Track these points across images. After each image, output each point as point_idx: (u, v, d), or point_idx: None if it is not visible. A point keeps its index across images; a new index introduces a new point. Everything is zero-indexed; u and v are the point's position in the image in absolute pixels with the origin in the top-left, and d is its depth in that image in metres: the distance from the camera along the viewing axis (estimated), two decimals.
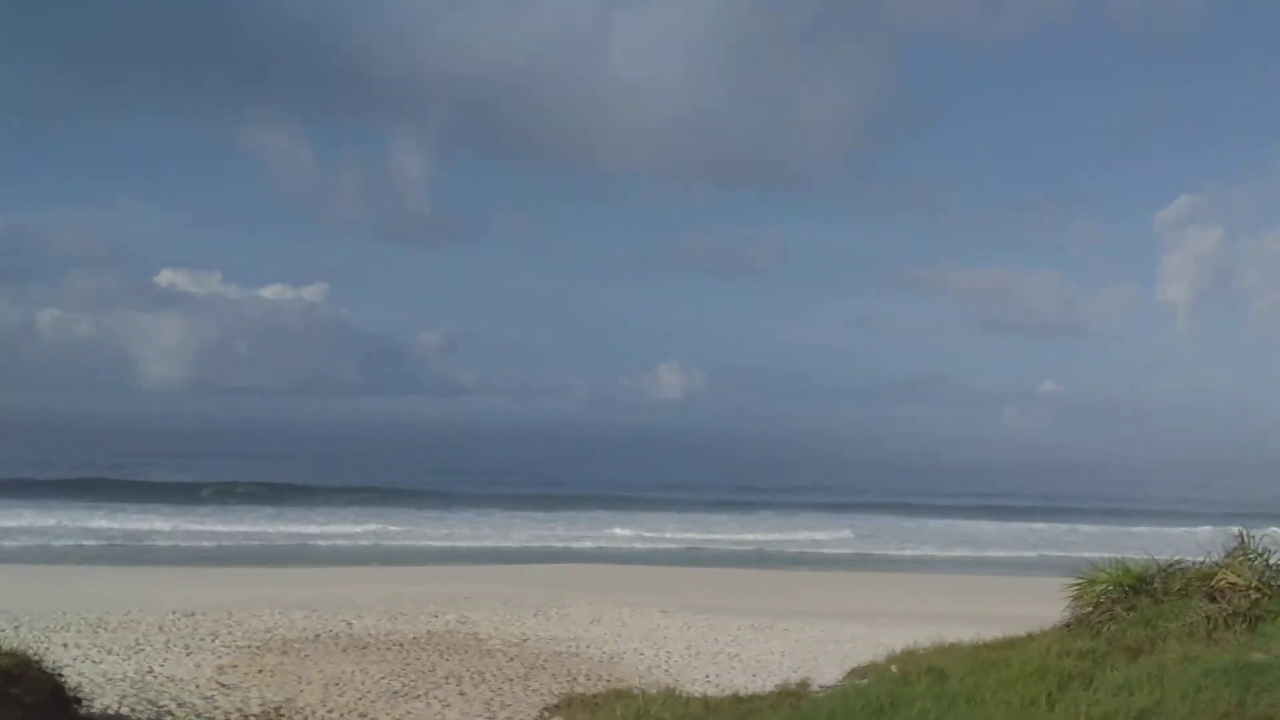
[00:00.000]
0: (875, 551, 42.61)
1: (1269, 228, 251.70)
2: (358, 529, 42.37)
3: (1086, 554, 13.81)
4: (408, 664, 16.28)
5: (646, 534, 44.43)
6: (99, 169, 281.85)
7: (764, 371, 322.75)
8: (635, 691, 12.21)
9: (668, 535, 44.32)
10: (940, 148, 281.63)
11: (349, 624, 19.50)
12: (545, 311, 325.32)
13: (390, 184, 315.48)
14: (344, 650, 17.18)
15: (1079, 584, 12.18)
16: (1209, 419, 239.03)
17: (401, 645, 17.75)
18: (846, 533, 47.68)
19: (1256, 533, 12.16)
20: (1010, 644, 10.78)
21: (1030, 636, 11.58)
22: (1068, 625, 11.70)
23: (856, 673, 13.30)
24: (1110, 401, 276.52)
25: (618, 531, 44.30)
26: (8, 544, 35.22)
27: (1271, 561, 11.52)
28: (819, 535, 46.49)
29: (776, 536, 45.58)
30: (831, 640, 19.89)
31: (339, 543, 39.45)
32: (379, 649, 17.40)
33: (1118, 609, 11.48)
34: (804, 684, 12.43)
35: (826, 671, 15.57)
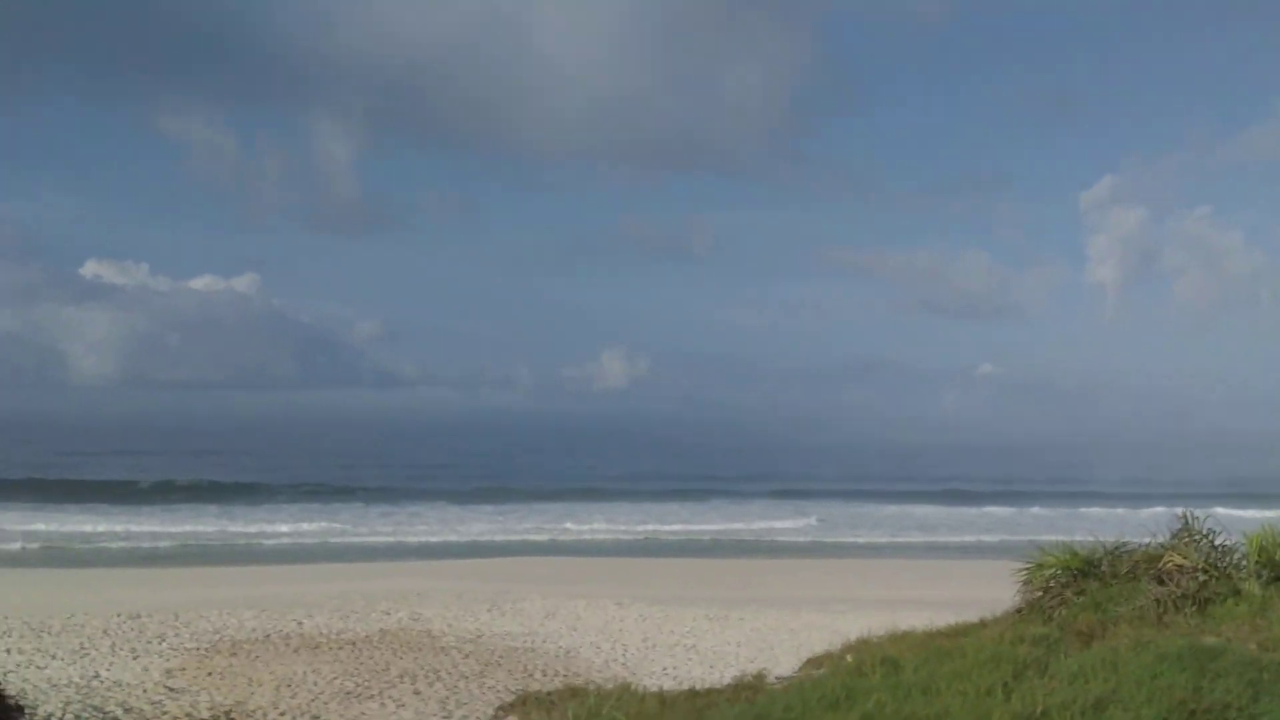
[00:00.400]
0: (828, 539, 42.94)
1: (1189, 206, 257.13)
2: (305, 526, 41.84)
3: (1035, 537, 14.03)
4: (361, 663, 16.10)
5: (599, 525, 44.42)
6: (14, 159, 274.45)
7: (706, 356, 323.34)
8: (590, 688, 12.15)
9: (620, 526, 44.32)
10: (867, 129, 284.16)
11: (299, 623, 19.24)
12: (483, 300, 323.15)
13: (316, 171, 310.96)
14: (295, 650, 16.95)
15: (1028, 568, 12.32)
16: (1143, 399, 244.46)
17: (354, 644, 17.55)
18: (799, 520, 48.07)
19: (1200, 513, 12.34)
20: (964, 631, 10.89)
21: (983, 623, 11.71)
22: (1019, 610, 11.84)
23: (812, 663, 13.37)
24: (1047, 382, 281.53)
25: (569, 524, 44.19)
26: None
27: (1216, 543, 11.74)
28: (773, 524, 46.79)
29: (729, 526, 45.82)
30: (787, 629, 20.02)
31: (284, 541, 38.90)
32: (331, 648, 17.19)
33: (1067, 593, 11.64)
34: (760, 676, 12.46)
35: (783, 661, 15.69)
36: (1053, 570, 12.10)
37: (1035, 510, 53.95)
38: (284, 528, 41.48)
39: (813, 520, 48.00)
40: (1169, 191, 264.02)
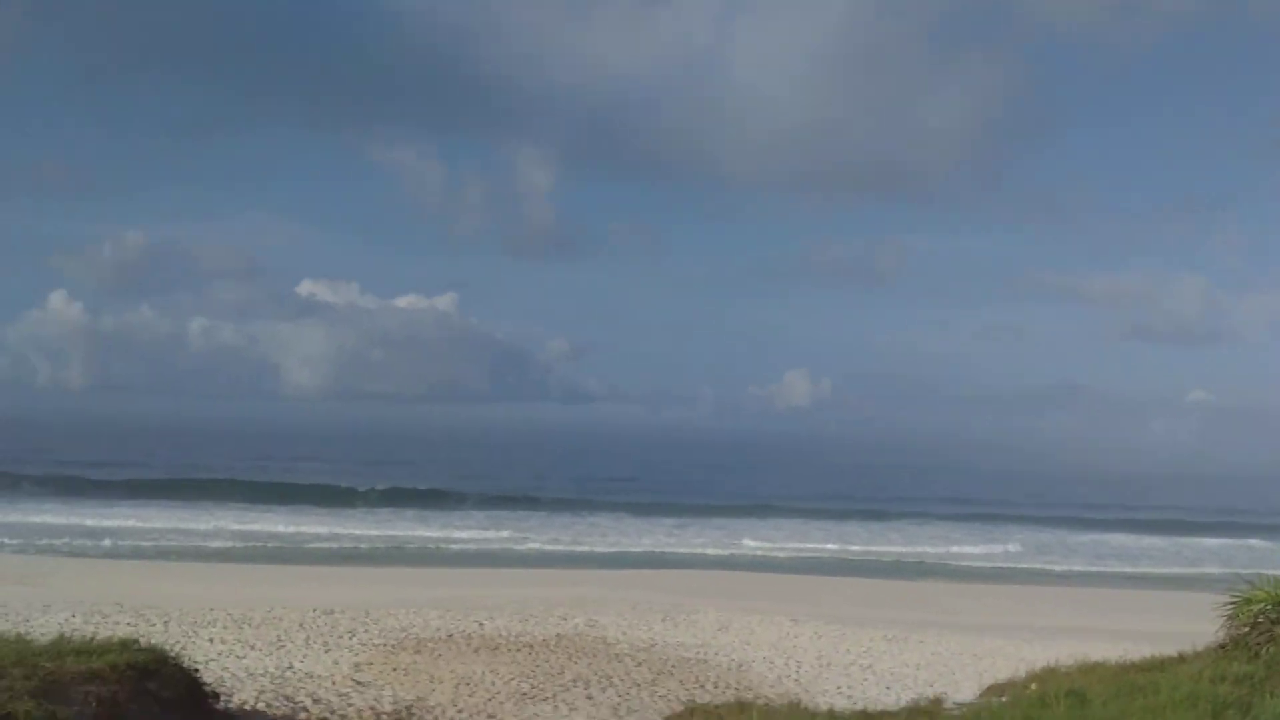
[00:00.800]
0: (1018, 565, 41.14)
1: None
2: (490, 533, 43.11)
3: (1244, 570, 12.97)
4: (537, 666, 16.43)
5: (776, 542, 43.95)
6: (238, 185, 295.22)
7: (892, 379, 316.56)
8: (759, 703, 12.00)
9: (798, 544, 43.74)
10: (1070, 153, 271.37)
11: (480, 625, 19.80)
12: (669, 322, 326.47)
13: (516, 198, 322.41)
14: (475, 650, 17.45)
15: (1234, 602, 11.43)
16: None
17: (531, 647, 17.94)
18: (986, 545, 46.24)
19: None
20: (1159, 665, 10.20)
21: (1181, 658, 10.95)
22: (1222, 646, 10.99)
23: (994, 690, 12.81)
24: (1263, 410, 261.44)
25: (747, 540, 43.91)
26: (161, 543, 37.02)
27: None
28: (956, 548, 45.19)
29: (913, 548, 44.51)
30: (969, 654, 19.27)
31: (470, 546, 40.18)
32: (509, 650, 17.61)
33: (1277, 630, 10.73)
34: (938, 700, 12.01)
35: (963, 687, 15.10)
36: (1261, 605, 11.17)
37: (1247, 542, 50.16)
38: (471, 533, 42.88)
39: (998, 544, 46.02)
40: None
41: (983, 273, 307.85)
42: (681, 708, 13.10)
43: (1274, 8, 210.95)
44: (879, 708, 12.18)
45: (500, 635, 18.91)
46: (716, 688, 15.51)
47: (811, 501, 63.02)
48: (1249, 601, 11.36)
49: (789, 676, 16.75)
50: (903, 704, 12.60)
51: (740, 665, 17.43)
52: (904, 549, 44.07)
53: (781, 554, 41.27)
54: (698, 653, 18.24)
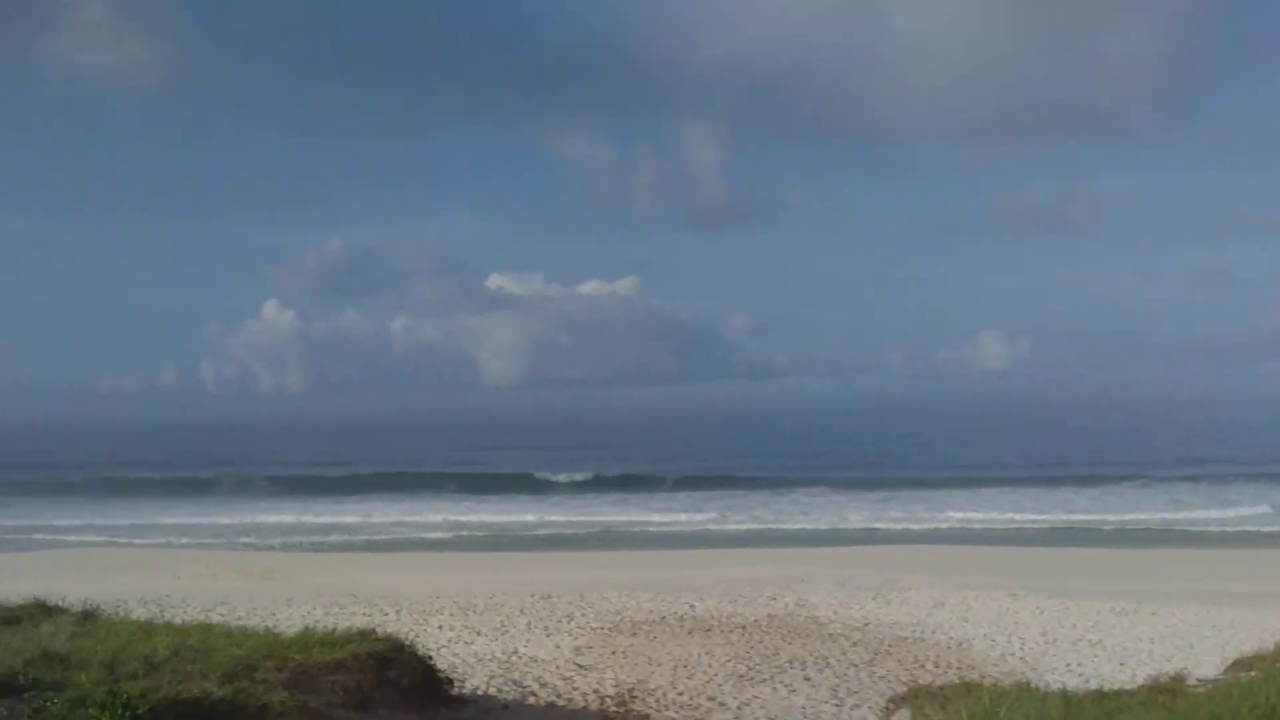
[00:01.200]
0: (1260, 528, 38.50)
1: None
2: (692, 515, 43.53)
3: None
4: (751, 647, 16.47)
5: (984, 513, 42.60)
6: (426, 184, 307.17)
7: (1095, 334, 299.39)
8: (986, 683, 11.64)
9: (1008, 514, 42.22)
10: (1276, 75, 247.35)
11: (691, 606, 20.01)
12: (851, 287, 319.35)
13: (687, 174, 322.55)
14: (689, 632, 17.64)
15: None
16: None
17: (743, 628, 17.99)
18: (1220, 508, 43.43)
19: None
20: None
21: None
22: None
23: (1240, 665, 12.03)
24: None
25: (951, 512, 42.72)
26: (384, 536, 39.16)
27: None
28: (1186, 512, 42.66)
29: (1136, 515, 42.25)
30: (1208, 625, 18.16)
31: (671, 527, 40.71)
32: (722, 631, 17.72)
33: None
34: (1179, 677, 11.35)
35: (1204, 662, 14.27)
36: None
37: None
38: (672, 515, 43.46)
39: (1245, 509, 42.95)
40: None
41: (1186, 214, 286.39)
42: (903, 689, 12.84)
43: None
44: (1114, 686, 11.62)
45: (712, 616, 19.05)
46: (937, 667, 15.16)
47: (1018, 469, 60.75)
48: None
49: (1012, 654, 16.19)
50: (1139, 681, 11.98)
51: (960, 643, 16.96)
52: (1126, 515, 41.89)
53: (992, 525, 39.97)
54: (914, 631, 17.87)
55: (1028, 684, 11.75)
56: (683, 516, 43.17)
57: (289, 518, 43.25)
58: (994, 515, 42.01)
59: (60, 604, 11.76)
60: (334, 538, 38.25)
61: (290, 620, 16.86)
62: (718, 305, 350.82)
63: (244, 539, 38.01)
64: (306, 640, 10.54)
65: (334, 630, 11.20)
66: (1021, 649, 16.54)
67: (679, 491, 53.22)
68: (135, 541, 36.84)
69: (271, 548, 35.87)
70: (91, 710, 7.09)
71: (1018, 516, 41.67)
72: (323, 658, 10.08)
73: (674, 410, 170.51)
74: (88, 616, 11.29)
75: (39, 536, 38.10)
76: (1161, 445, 77.82)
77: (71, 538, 37.79)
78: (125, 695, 7.28)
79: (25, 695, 7.46)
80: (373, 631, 11.43)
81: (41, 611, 11.13)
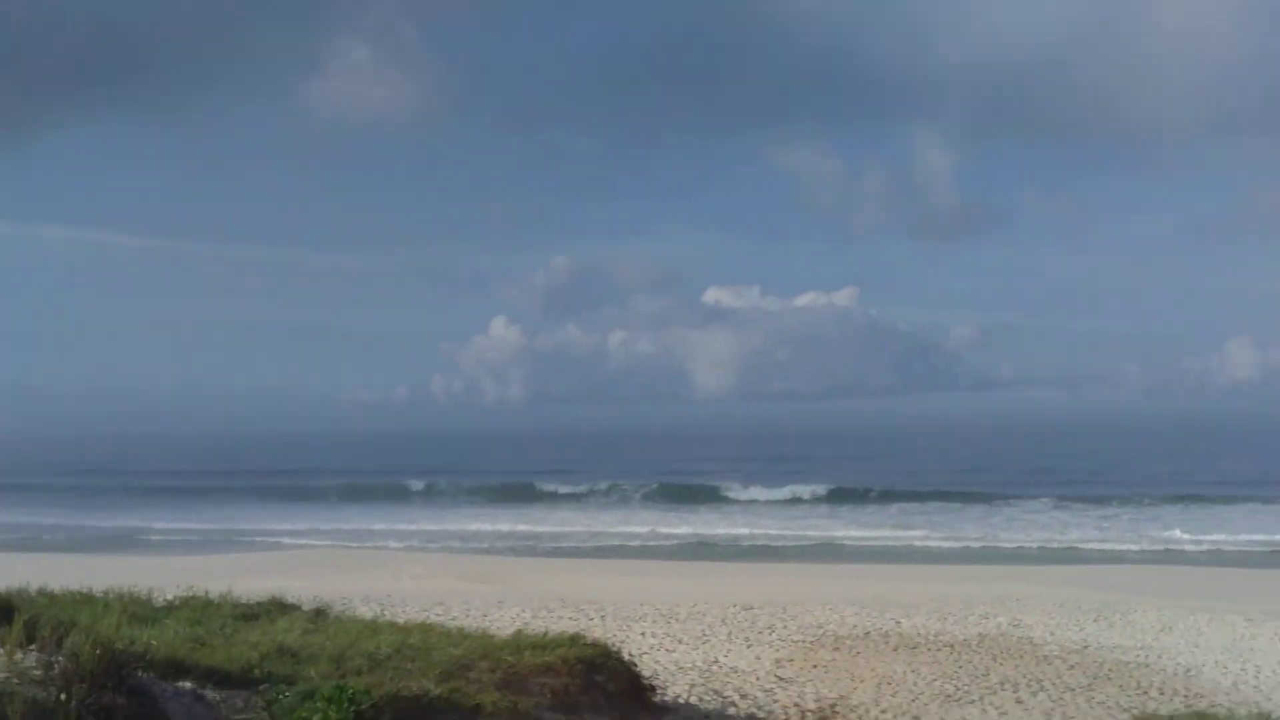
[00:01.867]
0: None
1: None
2: (902, 530, 42.54)
3: None
4: (959, 666, 15.98)
5: (1216, 533, 39.57)
6: (647, 200, 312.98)
7: None
8: (1219, 713, 10.91)
9: (1243, 535, 39.06)
10: None
11: (897, 622, 19.59)
12: (1086, 295, 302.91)
13: (916, 182, 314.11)
14: (894, 649, 17.28)
15: None
16: None
17: (952, 646, 17.47)
18: None
19: None
20: None
21: None
22: None
23: None
24: None
25: (1181, 531, 39.91)
26: (598, 544, 40.19)
27: None
28: None
29: None
30: None
31: (880, 543, 39.86)
32: (929, 649, 17.27)
33: None
34: None
35: None
36: None
37: None
38: (882, 531, 42.63)
39: None
40: None
41: None
42: (1126, 716, 12.19)
43: None
44: None
45: (918, 633, 18.59)
46: (1162, 694, 14.27)
47: (1263, 487, 56.10)
48: None
49: (1246, 683, 15.05)
50: None
51: (1188, 670, 15.89)
52: None
53: (1229, 545, 37.14)
54: (1137, 656, 16.86)
55: (1266, 715, 10.96)
56: (891, 531, 42.25)
57: (503, 525, 45.02)
58: (1227, 535, 38.98)
59: (294, 602, 12.66)
60: (545, 543, 39.54)
61: (501, 622, 17.54)
62: (941, 315, 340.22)
63: (458, 543, 39.82)
64: (519, 643, 10.92)
65: (544, 634, 11.52)
66: (1257, 678, 15.35)
67: (889, 504, 52.07)
68: (352, 546, 39.21)
69: (485, 551, 37.45)
70: (320, 703, 7.61)
71: (1255, 537, 38.51)
72: (533, 660, 10.42)
73: (892, 423, 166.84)
74: (319, 614, 12.11)
75: (271, 540, 41.05)
76: None
77: (301, 541, 40.56)
78: (351, 690, 7.80)
79: (260, 688, 8.10)
80: (581, 636, 11.71)
81: (278, 608, 12.02)
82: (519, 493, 60.11)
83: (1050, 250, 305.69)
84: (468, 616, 18.54)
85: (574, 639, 11.43)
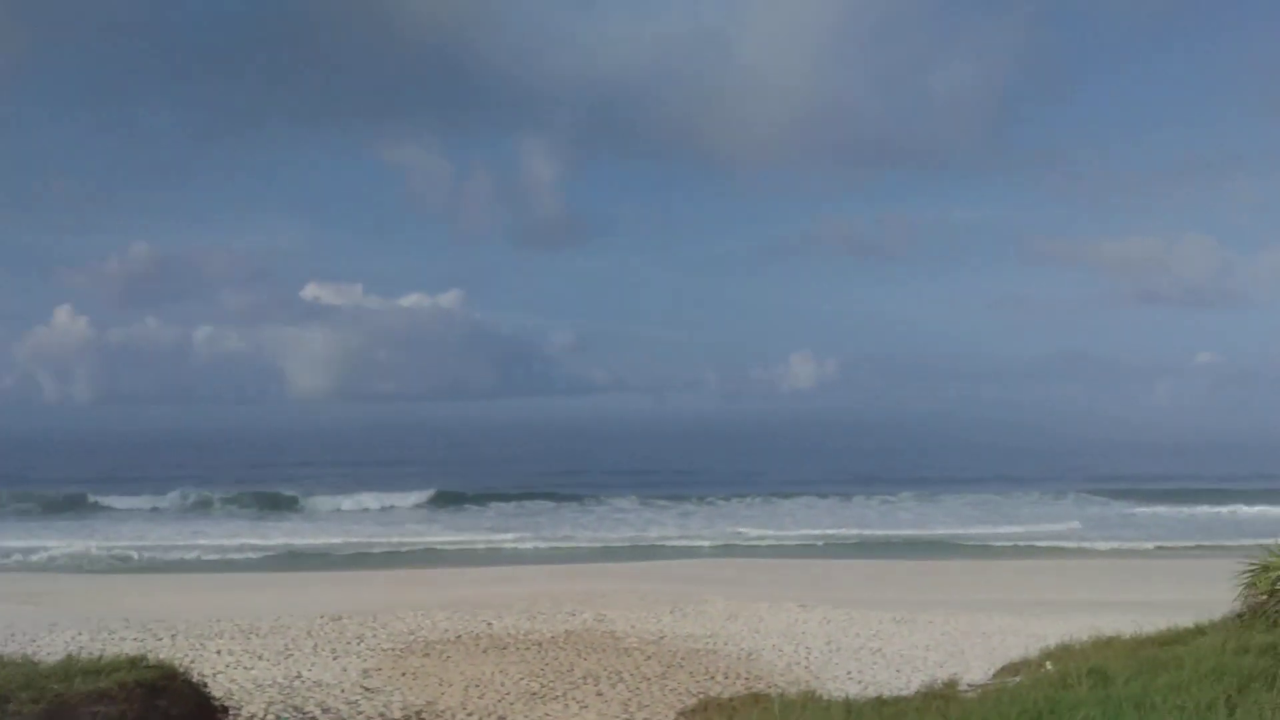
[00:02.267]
0: (1034, 543, 40.88)
1: None
2: (498, 533, 43.00)
3: (1259, 538, 12.76)
4: (546, 664, 16.28)
5: (784, 527, 43.84)
6: (246, 189, 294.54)
7: (901, 356, 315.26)
8: (773, 693, 11.83)
9: (805, 529, 43.58)
10: (1077, 116, 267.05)
11: (489, 624, 19.66)
12: (676, 307, 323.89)
13: (522, 190, 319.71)
14: (484, 651, 17.30)
15: (1251, 570, 11.27)
16: None
17: (540, 645, 17.79)
18: (997, 522, 46.15)
19: None
20: (1177, 638, 10.03)
21: (1199, 629, 10.77)
22: (1240, 616, 10.83)
23: (1007, 670, 12.64)
24: (1272, 372, 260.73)
25: (751, 528, 43.77)
26: (173, 558, 36.95)
27: None
28: (971, 528, 45.09)
29: (923, 530, 44.40)
30: (979, 633, 19.13)
31: (478, 545, 40.06)
32: (518, 649, 17.47)
33: None
34: (951, 683, 11.83)
35: (974, 667, 14.94)
36: (1278, 573, 11.02)
37: (1257, 509, 49.81)
38: (479, 534, 42.79)
39: (1018, 525, 45.77)
40: None
41: (992, 243, 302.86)
42: (693, 701, 12.92)
43: None
44: (891, 692, 12.02)
45: (509, 634, 18.77)
46: (727, 678, 15.36)
47: (819, 485, 62.81)
48: (1267, 569, 11.19)
49: (799, 664, 16.60)
50: (915, 687, 12.44)
51: (750, 654, 17.27)
52: (915, 531, 43.96)
53: (789, 539, 41.15)
54: (707, 643, 18.09)
55: (812, 693, 12.02)
56: (488, 534, 42.58)
57: (54, 541, 40.23)
58: (792, 529, 43.29)
59: None
60: (109, 559, 35.79)
61: (53, 647, 15.67)
62: (542, 321, 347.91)
63: (9, 559, 35.13)
64: (68, 669, 9.74)
65: (100, 657, 10.39)
66: (807, 658, 16.98)
67: (487, 506, 52.49)
68: None
69: (35, 569, 33.28)
70: None
71: (814, 531, 43.03)
72: (85, 687, 9.32)
73: (491, 426, 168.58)
74: None
75: None
76: (948, 463, 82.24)
77: None
78: None
79: None
80: (143, 658, 10.64)
81: None
82: (76, 503, 54.05)
83: (644, 263, 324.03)
84: (10, 642, 16.25)
85: (134, 661, 10.33)
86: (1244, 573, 11.26)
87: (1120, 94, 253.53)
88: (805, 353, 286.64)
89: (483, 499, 55.65)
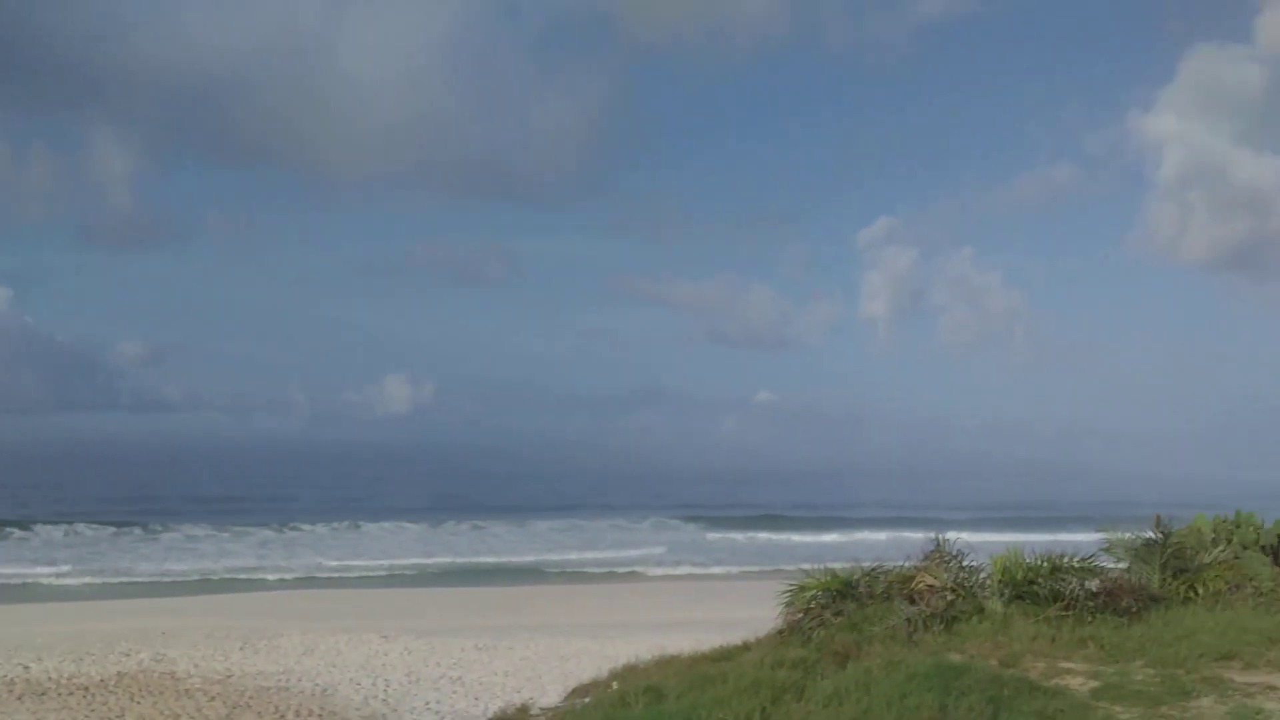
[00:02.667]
0: (615, 568, 42.68)
1: (954, 249, 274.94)
2: (41, 566, 38.31)
3: (800, 562, 14.19)
4: (93, 710, 14.73)
5: (368, 556, 42.79)
6: None
7: (496, 383, 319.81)
8: None
9: (391, 558, 42.73)
10: (664, 167, 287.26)
11: (25, 668, 17.46)
12: (263, 323, 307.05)
13: (90, 183, 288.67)
14: (19, 698, 15.35)
15: (790, 590, 12.50)
16: (908, 427, 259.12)
17: (87, 689, 16.05)
18: (584, 548, 47.89)
19: (952, 536, 12.87)
20: (727, 655, 10.89)
21: (746, 646, 11.76)
22: (780, 632, 11.96)
23: (578, 692, 13.10)
24: (820, 411, 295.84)
25: (332, 558, 42.21)
26: None
27: (965, 564, 12.27)
28: (559, 554, 46.35)
29: (512, 557, 45.01)
30: (557, 656, 19.70)
31: (13, 580, 35.44)
32: (59, 694, 15.67)
33: (826, 614, 11.84)
34: (525, 708, 12.09)
35: (550, 691, 15.34)
36: (813, 592, 12.30)
37: (800, 536, 55.35)
38: (17, 567, 37.86)
39: (607, 551, 47.79)
40: (938, 233, 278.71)
41: (584, 278, 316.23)
42: None
43: (848, 37, 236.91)
44: None
45: (49, 678, 16.75)
46: (299, 715, 14.66)
47: (408, 511, 62.03)
48: (803, 589, 12.46)
49: (376, 697, 16.19)
50: (490, 714, 12.56)
51: (325, 690, 16.60)
52: (504, 557, 44.49)
53: (376, 568, 40.21)
54: (279, 680, 17.16)
55: None
56: (28, 567, 37.74)
57: None
58: (376, 560, 42.26)
59: None
60: None
61: None
62: (108, 329, 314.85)
63: None
64: None
65: None
66: (386, 691, 16.61)
67: (31, 532, 46.63)
68: None
69: None
70: None
71: (401, 561, 42.30)
72: None
73: (42, 443, 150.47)
74: None
75: None
76: (536, 489, 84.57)
77: None
78: None
79: None
80: None
81: None
82: None
83: (229, 273, 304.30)
84: None
85: None
86: (784, 592, 12.47)
87: (703, 150, 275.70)
88: (401, 376, 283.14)
89: (26, 524, 49.43)
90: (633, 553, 46.21)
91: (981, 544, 13.35)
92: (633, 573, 40.72)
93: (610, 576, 39.60)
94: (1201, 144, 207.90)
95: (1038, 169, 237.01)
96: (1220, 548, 13.64)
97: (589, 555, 45.37)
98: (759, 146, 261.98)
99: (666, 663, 12.17)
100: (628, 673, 12.17)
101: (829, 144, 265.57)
